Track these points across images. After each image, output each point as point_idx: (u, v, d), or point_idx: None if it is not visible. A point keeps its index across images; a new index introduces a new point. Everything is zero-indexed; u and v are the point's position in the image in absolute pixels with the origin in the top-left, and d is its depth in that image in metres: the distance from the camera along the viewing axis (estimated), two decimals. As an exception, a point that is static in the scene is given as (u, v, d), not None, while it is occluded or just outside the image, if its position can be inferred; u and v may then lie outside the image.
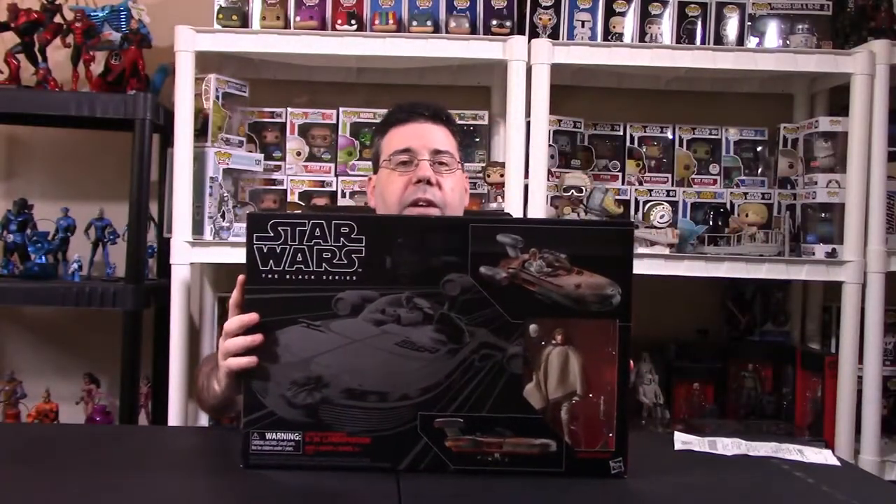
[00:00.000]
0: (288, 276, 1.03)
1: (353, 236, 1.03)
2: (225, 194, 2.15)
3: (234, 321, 1.06)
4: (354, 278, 1.02)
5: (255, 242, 1.03)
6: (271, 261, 1.03)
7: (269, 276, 1.03)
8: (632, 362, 1.07)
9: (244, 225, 2.14)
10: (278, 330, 1.03)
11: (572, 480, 1.02)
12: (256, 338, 1.04)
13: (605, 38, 2.28)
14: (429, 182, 1.47)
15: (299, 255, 1.03)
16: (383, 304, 1.02)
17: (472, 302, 1.02)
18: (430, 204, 1.47)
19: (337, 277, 1.03)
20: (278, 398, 1.03)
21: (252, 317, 1.04)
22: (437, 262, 1.02)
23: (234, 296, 1.09)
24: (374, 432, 1.03)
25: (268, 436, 1.03)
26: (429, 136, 1.52)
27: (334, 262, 1.03)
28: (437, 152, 1.51)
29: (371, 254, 1.02)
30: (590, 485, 1.01)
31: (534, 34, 2.25)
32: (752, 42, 2.32)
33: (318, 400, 1.03)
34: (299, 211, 2.25)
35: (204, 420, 2.37)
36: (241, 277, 1.06)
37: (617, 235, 1.04)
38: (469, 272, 1.02)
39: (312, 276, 1.03)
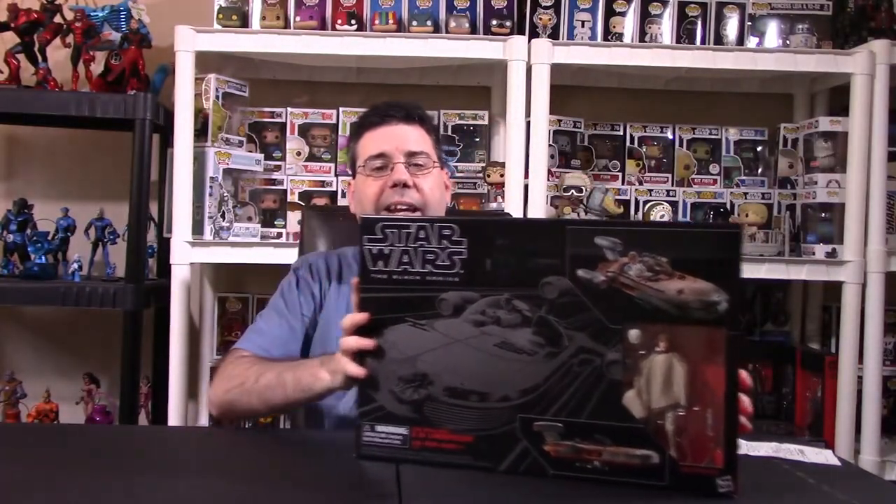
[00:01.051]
0: (395, 277, 1.06)
1: (454, 238, 1.04)
2: (225, 194, 2.15)
3: (347, 319, 1.10)
4: (456, 279, 1.04)
5: (365, 244, 1.06)
6: (380, 261, 1.06)
7: (379, 276, 1.06)
8: (746, 375, 1.01)
9: (244, 225, 2.20)
10: (387, 328, 1.07)
11: (676, 496, 0.97)
12: (368, 342, 1.07)
13: (605, 38, 2.28)
14: (405, 185, 1.46)
15: (405, 256, 1.05)
16: (483, 305, 1.03)
17: (570, 305, 1.00)
18: (409, 207, 1.46)
19: (440, 278, 1.04)
20: (387, 393, 1.06)
21: (363, 316, 1.08)
22: (535, 264, 1.01)
23: (353, 297, 1.12)
24: (475, 431, 1.04)
25: (378, 428, 1.07)
26: (402, 138, 1.50)
27: (437, 263, 1.04)
28: (411, 154, 1.49)
29: (472, 255, 1.03)
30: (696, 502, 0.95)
31: (534, 34, 2.25)
32: (752, 42, 2.32)
33: (423, 396, 1.05)
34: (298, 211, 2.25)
35: (204, 420, 2.37)
36: (354, 280, 1.10)
37: (723, 238, 0.97)
38: (567, 275, 1.00)
39: (418, 277, 1.05)
